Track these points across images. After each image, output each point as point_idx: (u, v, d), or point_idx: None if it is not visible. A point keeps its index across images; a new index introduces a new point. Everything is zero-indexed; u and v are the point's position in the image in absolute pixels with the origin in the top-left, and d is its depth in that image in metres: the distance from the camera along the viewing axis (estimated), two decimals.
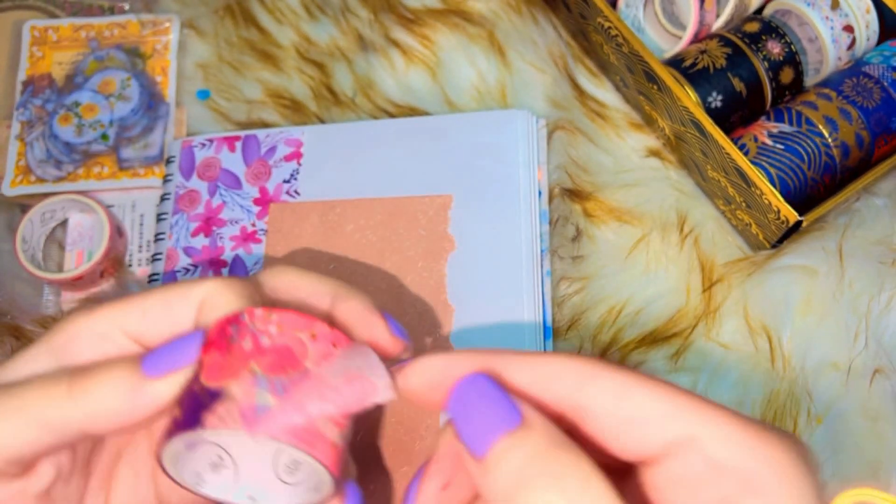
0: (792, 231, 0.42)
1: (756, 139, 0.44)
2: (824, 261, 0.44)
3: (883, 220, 0.45)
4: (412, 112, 0.51)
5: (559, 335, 0.44)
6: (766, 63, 0.46)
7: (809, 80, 0.48)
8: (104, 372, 0.24)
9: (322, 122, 0.51)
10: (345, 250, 0.44)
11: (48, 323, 0.47)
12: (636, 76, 0.47)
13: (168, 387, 0.23)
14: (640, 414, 0.20)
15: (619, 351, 0.44)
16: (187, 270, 0.46)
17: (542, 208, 0.45)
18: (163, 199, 0.48)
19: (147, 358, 0.24)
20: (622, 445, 0.20)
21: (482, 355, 0.22)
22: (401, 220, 0.45)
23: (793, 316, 0.44)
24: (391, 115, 0.51)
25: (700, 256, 0.46)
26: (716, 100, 0.46)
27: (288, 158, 0.48)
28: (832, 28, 0.47)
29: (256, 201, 0.47)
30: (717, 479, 0.19)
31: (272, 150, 0.48)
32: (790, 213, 0.41)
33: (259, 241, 0.46)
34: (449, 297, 0.43)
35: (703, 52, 0.47)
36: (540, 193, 0.45)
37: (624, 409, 0.20)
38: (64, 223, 0.49)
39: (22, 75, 0.53)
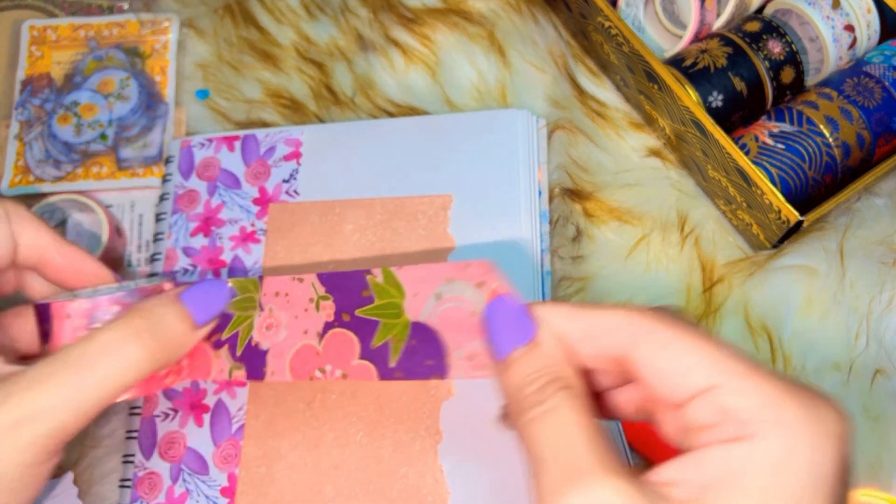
0: (793, 231, 0.42)
1: (757, 139, 0.44)
2: (825, 261, 0.44)
3: (884, 219, 0.45)
4: (412, 112, 0.51)
5: None
6: (766, 62, 0.46)
7: (810, 80, 0.48)
8: None
9: (321, 121, 0.51)
10: (344, 250, 0.44)
11: None
12: (636, 76, 0.47)
13: None
14: (674, 366, 0.23)
15: None
16: (186, 270, 0.46)
17: (542, 208, 0.45)
18: (162, 198, 0.48)
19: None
20: (661, 391, 0.24)
21: (564, 306, 0.26)
22: (401, 220, 0.44)
23: (793, 316, 0.44)
24: (391, 115, 0.51)
25: (700, 256, 0.46)
26: (716, 99, 0.45)
27: (287, 158, 0.47)
28: (833, 27, 0.47)
29: (256, 201, 0.47)
30: (721, 422, 0.22)
31: (271, 149, 0.48)
32: (791, 213, 0.40)
33: (258, 241, 0.46)
34: None
35: (703, 51, 0.47)
36: (540, 193, 0.45)
37: (663, 361, 0.23)
38: (63, 223, 0.49)
39: (21, 75, 0.53)
